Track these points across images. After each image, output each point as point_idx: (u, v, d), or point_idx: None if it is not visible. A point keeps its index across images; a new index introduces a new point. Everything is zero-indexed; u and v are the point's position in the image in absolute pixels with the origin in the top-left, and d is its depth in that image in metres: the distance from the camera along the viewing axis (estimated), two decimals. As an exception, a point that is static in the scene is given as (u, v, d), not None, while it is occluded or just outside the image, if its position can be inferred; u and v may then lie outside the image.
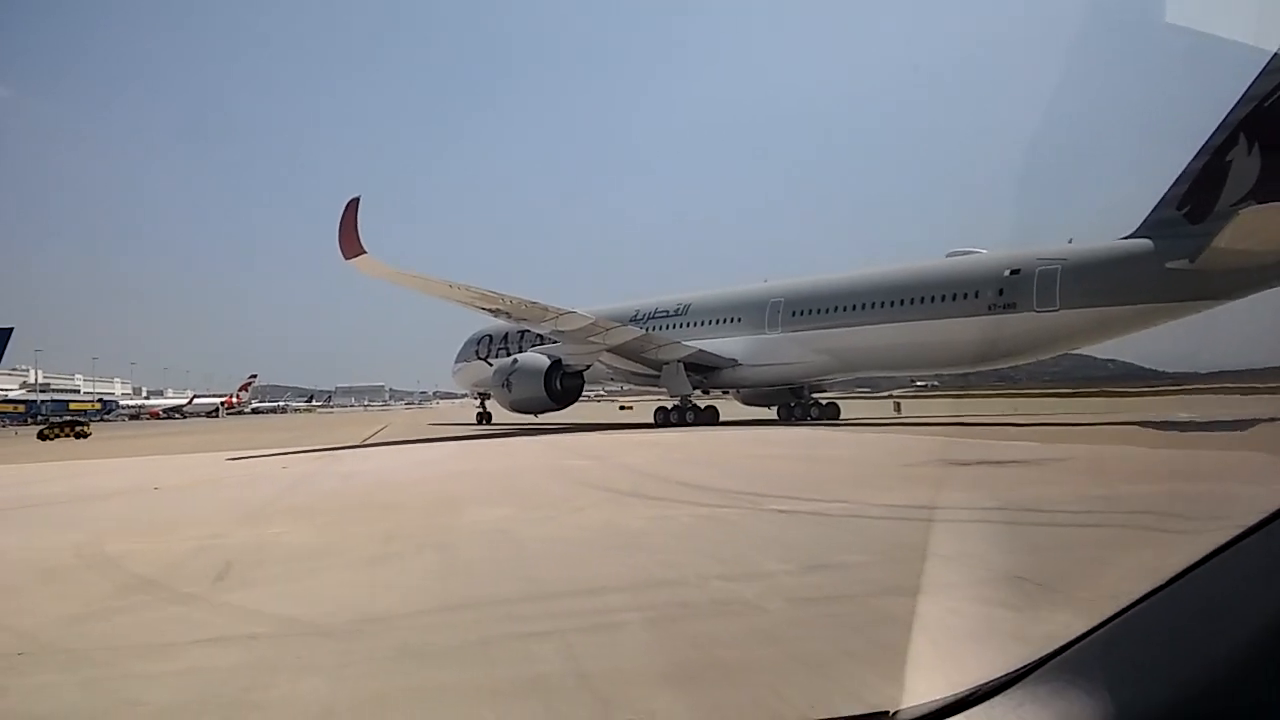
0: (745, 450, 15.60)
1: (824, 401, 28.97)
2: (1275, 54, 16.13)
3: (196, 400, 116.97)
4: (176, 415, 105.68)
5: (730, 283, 32.34)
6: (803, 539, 5.96)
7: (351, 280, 24.49)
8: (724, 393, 30.86)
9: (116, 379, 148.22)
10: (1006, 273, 22.16)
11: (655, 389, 30.01)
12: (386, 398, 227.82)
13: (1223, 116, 19.03)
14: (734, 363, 27.41)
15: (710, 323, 29.27)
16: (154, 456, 20.09)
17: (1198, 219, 19.20)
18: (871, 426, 22.50)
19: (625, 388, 35.32)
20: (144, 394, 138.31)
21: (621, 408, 49.19)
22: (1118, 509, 6.78)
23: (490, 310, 27.60)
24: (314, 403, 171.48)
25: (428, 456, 17.43)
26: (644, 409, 35.45)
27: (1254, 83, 18.39)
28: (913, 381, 55.58)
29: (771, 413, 29.26)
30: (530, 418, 30.43)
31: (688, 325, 29.69)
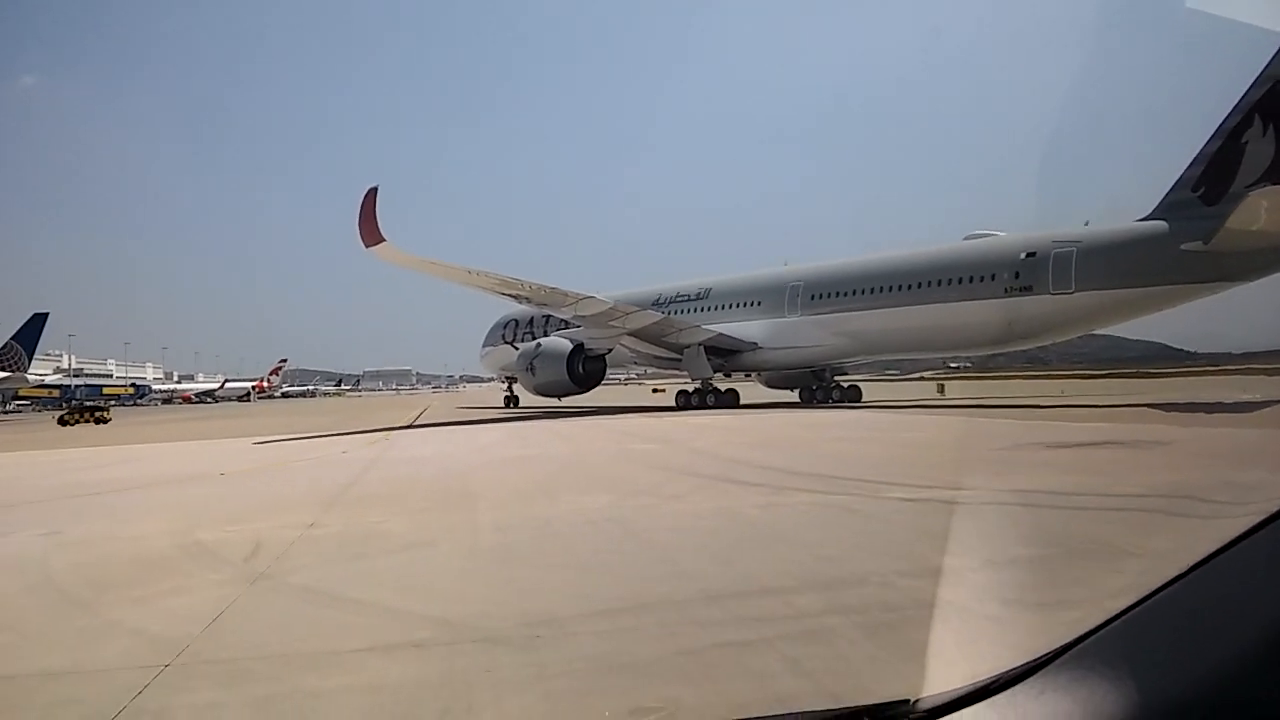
0: (804, 434, 15.10)
1: (845, 384, 29.27)
2: None
3: (228, 384, 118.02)
4: (209, 399, 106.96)
5: (751, 267, 32.67)
6: (960, 529, 5.47)
7: (378, 266, 24.80)
8: (746, 376, 31.10)
9: (148, 363, 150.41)
10: (1023, 255, 22.12)
11: (677, 372, 30.34)
12: (414, 381, 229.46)
13: (1238, 98, 19.02)
14: (754, 346, 27.58)
15: (731, 306, 29.44)
16: (202, 441, 19.99)
17: (1213, 201, 19.12)
18: (912, 409, 21.95)
19: (649, 371, 35.82)
20: (175, 378, 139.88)
21: (655, 390, 48.84)
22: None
23: (511, 295, 28.02)
24: (343, 386, 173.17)
25: (483, 441, 17.12)
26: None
27: (1269, 64, 18.33)
28: (946, 364, 55.20)
29: (792, 396, 29.58)
30: (554, 401, 30.82)
31: (709, 309, 29.91)
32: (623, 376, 56.87)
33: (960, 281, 23.20)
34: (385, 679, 3.07)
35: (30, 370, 60.28)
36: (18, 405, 72.76)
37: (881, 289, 25.14)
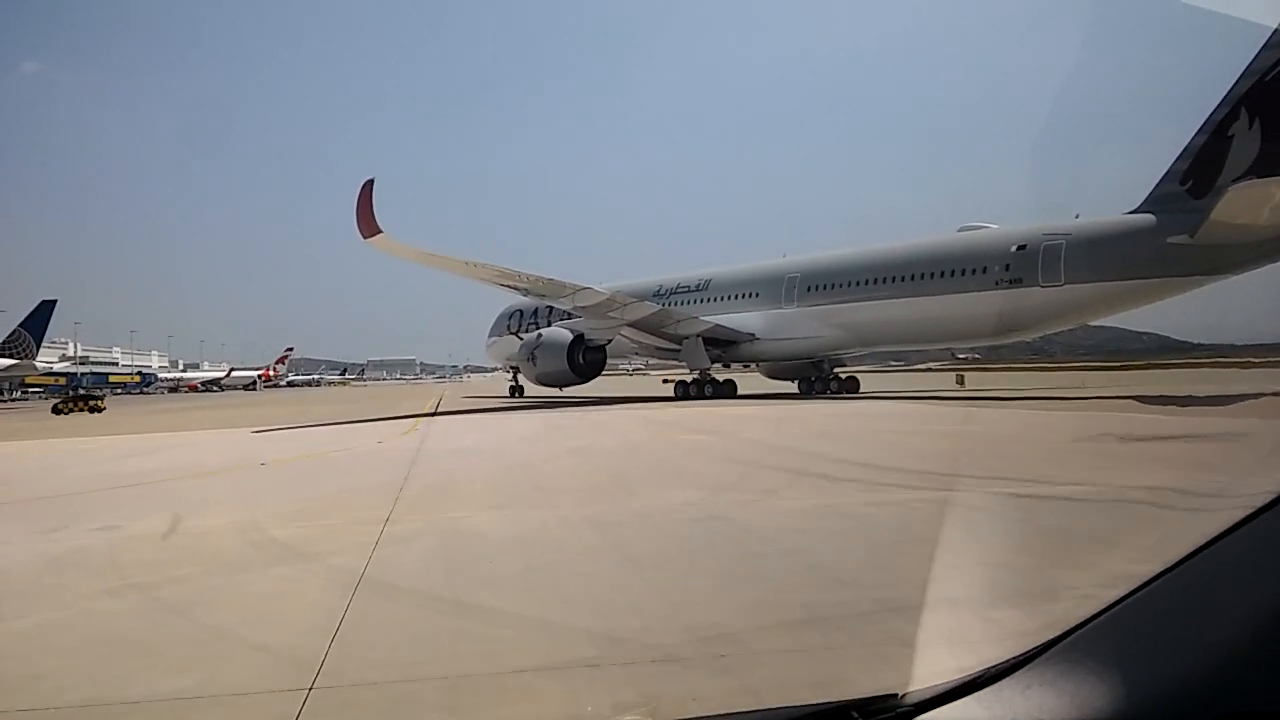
0: (853, 425, 14.70)
1: (843, 375, 29.43)
2: (1277, 29, 15.97)
3: (234, 373, 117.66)
4: (214, 388, 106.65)
5: (753, 258, 33.59)
6: (1099, 529, 5.07)
7: (383, 257, 25.05)
8: (745, 366, 31.38)
9: (154, 351, 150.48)
10: (1014, 248, 22.10)
11: (678, 362, 30.54)
12: (418, 371, 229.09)
13: (1225, 91, 18.95)
14: (752, 337, 27.64)
15: (730, 298, 29.57)
16: (223, 430, 19.43)
17: (1200, 194, 19.01)
18: (931, 401, 21.51)
19: (650, 361, 35.64)
20: (180, 367, 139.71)
21: (665, 381, 48.47)
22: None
23: (509, 287, 28.35)
24: (347, 375, 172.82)
25: (521, 431, 16.63)
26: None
27: (1256, 57, 18.16)
28: (953, 355, 55.00)
29: (789, 386, 29.96)
30: (555, 391, 31.06)
31: (708, 300, 30.18)
32: (629, 368, 56.49)
33: (952, 274, 23.28)
34: (578, 709, 2.64)
35: (38, 358, 59.68)
36: (25, 393, 72.35)
37: (875, 281, 25.25)
